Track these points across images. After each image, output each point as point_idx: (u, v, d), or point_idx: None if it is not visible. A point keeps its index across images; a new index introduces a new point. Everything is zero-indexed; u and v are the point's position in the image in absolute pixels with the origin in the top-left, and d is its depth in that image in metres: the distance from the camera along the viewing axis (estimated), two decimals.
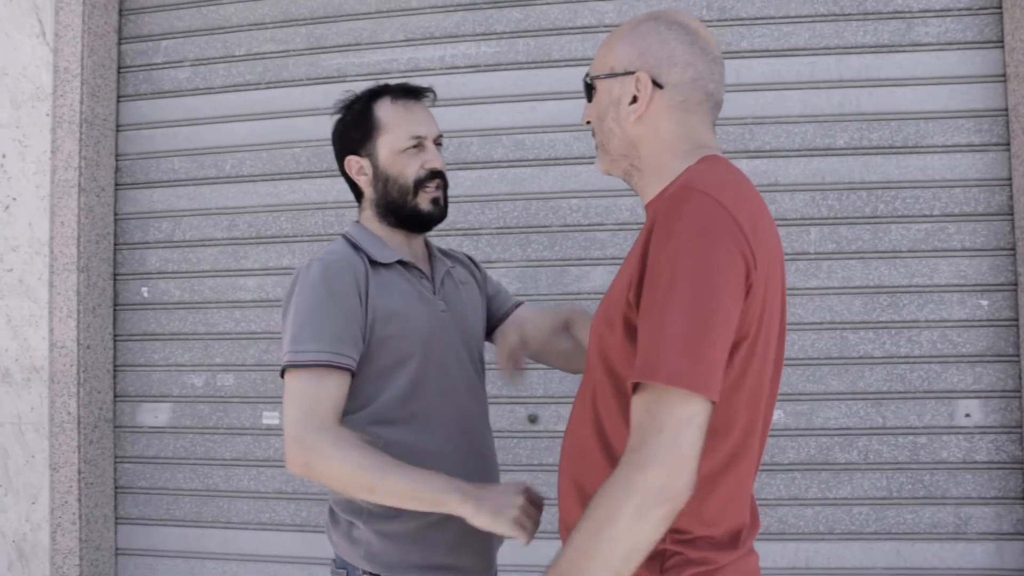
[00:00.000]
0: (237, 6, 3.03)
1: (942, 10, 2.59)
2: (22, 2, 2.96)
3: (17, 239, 2.95)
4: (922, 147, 2.59)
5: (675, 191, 1.11)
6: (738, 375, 1.10)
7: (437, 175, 1.57)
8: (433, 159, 1.57)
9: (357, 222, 1.63)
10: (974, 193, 2.57)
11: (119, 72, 3.12)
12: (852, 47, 2.63)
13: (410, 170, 1.55)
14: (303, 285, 1.46)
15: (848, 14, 2.63)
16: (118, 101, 3.11)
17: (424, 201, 1.56)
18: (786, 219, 2.64)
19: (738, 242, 1.06)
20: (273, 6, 2.99)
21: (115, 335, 3.08)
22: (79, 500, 2.89)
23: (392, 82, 1.63)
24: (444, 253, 1.72)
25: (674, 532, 1.09)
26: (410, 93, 1.59)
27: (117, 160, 3.11)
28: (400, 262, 1.55)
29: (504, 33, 2.82)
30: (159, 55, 3.09)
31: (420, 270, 1.58)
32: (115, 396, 3.07)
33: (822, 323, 2.61)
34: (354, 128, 1.58)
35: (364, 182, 1.59)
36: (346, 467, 1.33)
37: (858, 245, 2.61)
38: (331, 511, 1.53)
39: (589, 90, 1.30)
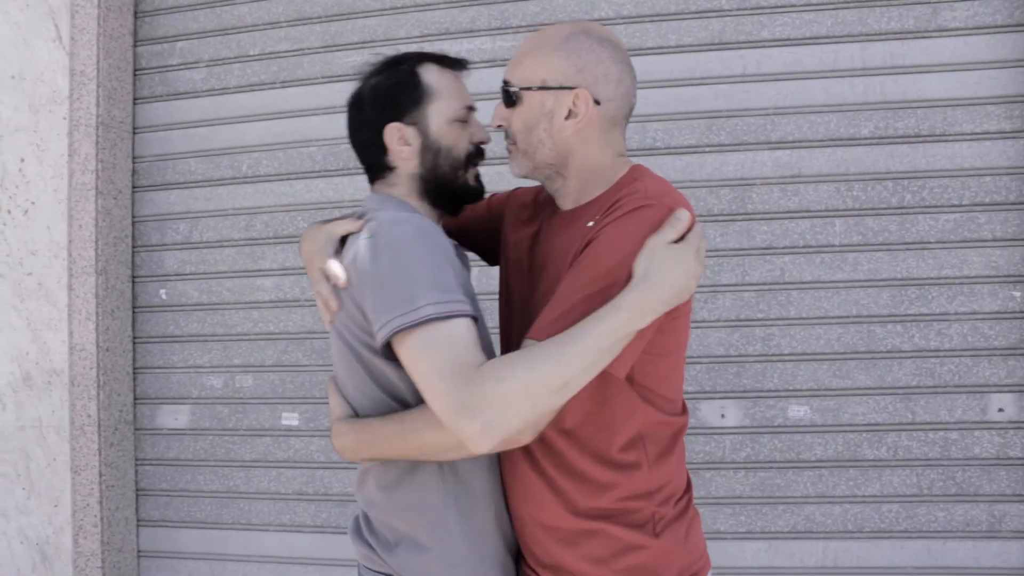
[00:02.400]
0: (251, 6, 3.01)
1: None
2: (38, 7, 2.97)
3: (36, 243, 2.95)
4: (950, 135, 2.52)
5: (634, 200, 1.20)
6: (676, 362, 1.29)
7: (483, 151, 1.45)
8: (480, 132, 1.44)
9: (388, 196, 1.42)
10: (1005, 182, 2.50)
11: (135, 74, 3.12)
12: (876, 34, 2.56)
13: (462, 143, 1.41)
14: (397, 241, 1.23)
15: (871, 0, 2.57)
16: (134, 103, 3.11)
17: (471, 177, 1.44)
18: (810, 211, 2.58)
19: None
20: (287, 5, 2.97)
21: (134, 337, 3.08)
22: (100, 503, 2.89)
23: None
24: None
25: (655, 496, 1.26)
26: (455, 64, 1.45)
27: (134, 162, 3.10)
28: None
29: (520, 27, 2.78)
30: (174, 57, 3.09)
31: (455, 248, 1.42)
32: (135, 398, 3.07)
33: (848, 317, 2.55)
34: (401, 91, 1.39)
35: (407, 153, 1.39)
36: (529, 388, 1.11)
37: (885, 237, 2.55)
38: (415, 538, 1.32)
39: (511, 99, 1.31)
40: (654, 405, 1.25)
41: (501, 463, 1.36)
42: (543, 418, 1.18)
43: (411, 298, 1.17)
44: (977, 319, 2.50)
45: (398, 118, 1.38)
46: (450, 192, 1.41)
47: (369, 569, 1.35)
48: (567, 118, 1.27)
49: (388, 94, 1.39)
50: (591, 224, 1.23)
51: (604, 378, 1.21)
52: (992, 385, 2.49)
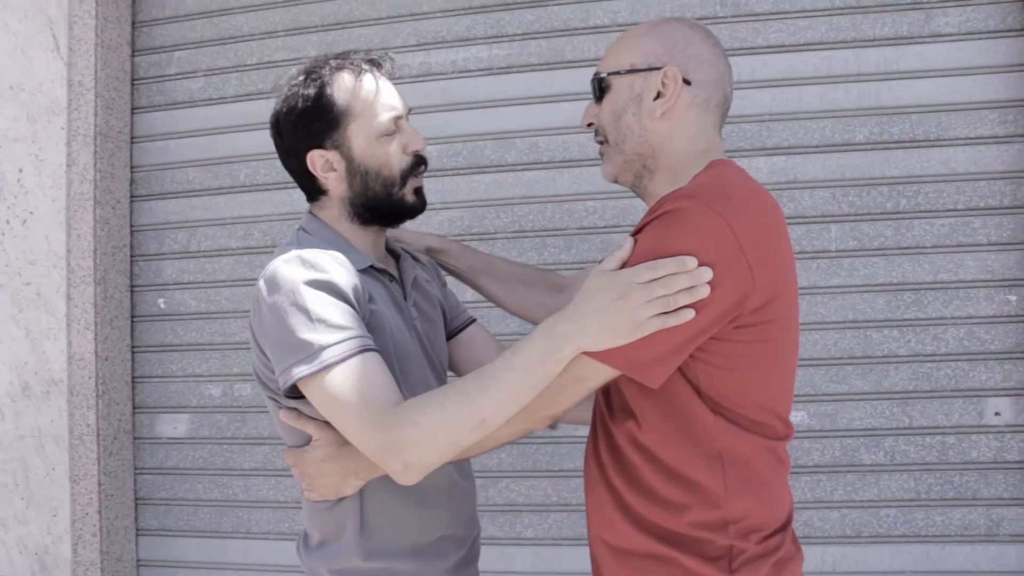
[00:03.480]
0: (248, 15, 3.03)
1: None
2: (37, 17, 2.98)
3: (34, 253, 2.96)
4: (944, 140, 2.53)
5: (669, 200, 1.10)
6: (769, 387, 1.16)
7: (422, 160, 1.36)
8: (414, 139, 1.34)
9: (315, 217, 1.38)
10: (999, 186, 2.51)
11: (132, 84, 3.13)
12: (870, 40, 2.58)
13: (394, 159, 1.32)
14: (286, 282, 1.21)
15: (865, 6, 2.58)
16: (132, 113, 3.12)
17: (410, 192, 1.35)
18: (806, 217, 2.59)
19: (732, 263, 1.05)
20: (284, 15, 2.99)
21: (133, 347, 3.09)
22: (99, 512, 2.89)
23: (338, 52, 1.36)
24: (406, 250, 1.50)
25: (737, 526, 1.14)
26: (372, 64, 1.33)
27: (132, 172, 3.11)
28: (371, 267, 1.34)
29: (516, 35, 2.80)
30: (172, 66, 3.10)
31: (389, 273, 1.38)
32: (134, 408, 3.08)
33: (845, 322, 2.56)
34: (314, 117, 1.29)
35: (334, 178, 1.33)
36: (444, 429, 1.09)
37: (880, 242, 2.56)
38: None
39: (602, 88, 1.26)
40: (733, 422, 1.13)
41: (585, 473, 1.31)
42: (468, 450, 1.19)
43: (306, 344, 1.16)
44: (973, 323, 2.51)
45: (318, 145, 1.31)
46: (384, 211, 1.35)
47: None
48: (656, 99, 1.20)
49: (301, 121, 1.30)
50: None
51: (650, 389, 1.12)
52: (989, 389, 2.49)
